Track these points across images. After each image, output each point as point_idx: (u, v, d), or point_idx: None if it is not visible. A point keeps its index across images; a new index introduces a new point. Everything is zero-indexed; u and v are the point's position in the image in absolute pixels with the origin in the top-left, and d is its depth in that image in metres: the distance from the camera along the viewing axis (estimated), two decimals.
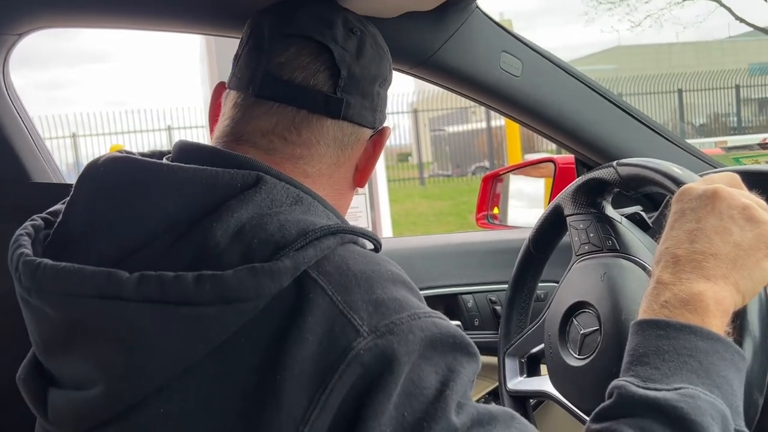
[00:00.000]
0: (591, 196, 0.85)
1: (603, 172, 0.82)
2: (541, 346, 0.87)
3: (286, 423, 0.48)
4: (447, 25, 0.97)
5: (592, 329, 0.76)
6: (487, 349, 1.19)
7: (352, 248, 0.57)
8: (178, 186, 0.56)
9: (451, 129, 17.37)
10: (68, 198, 0.61)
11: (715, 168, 1.12)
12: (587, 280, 0.80)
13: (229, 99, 0.68)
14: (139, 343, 0.51)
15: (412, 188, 14.40)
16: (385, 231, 3.90)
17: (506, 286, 0.99)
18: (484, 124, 15.51)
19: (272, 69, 0.65)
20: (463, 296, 1.21)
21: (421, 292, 1.18)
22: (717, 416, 0.50)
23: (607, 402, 0.54)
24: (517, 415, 0.53)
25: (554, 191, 1.51)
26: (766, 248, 0.55)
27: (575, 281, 0.82)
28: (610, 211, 0.84)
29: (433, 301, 1.22)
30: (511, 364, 0.92)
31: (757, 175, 0.90)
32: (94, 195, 0.59)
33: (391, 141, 14.86)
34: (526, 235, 0.98)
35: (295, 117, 0.65)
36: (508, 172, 1.97)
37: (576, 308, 0.80)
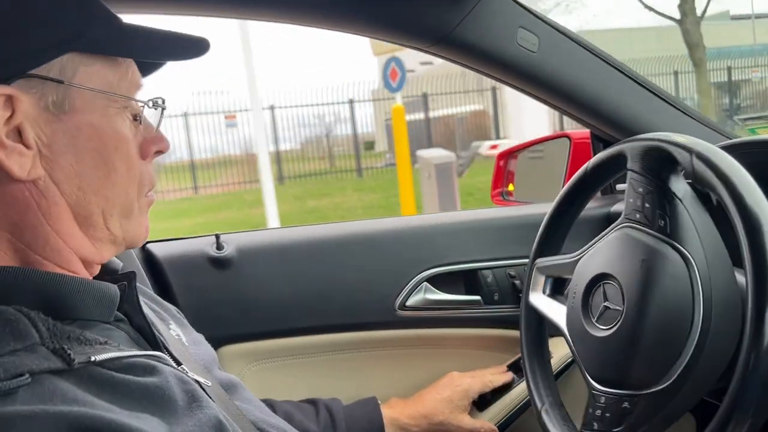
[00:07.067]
0: (658, 164, 0.78)
1: (676, 152, 0.75)
2: (568, 277, 0.87)
3: None
4: (465, 2, 0.98)
5: (614, 307, 0.76)
6: (507, 322, 1.21)
7: None
8: None
9: (409, 117, 17.31)
10: None
11: (730, 139, 1.13)
12: (625, 257, 0.78)
13: None
14: None
15: (347, 181, 14.01)
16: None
17: (525, 261, 1.00)
18: (441, 113, 15.54)
19: None
20: (483, 272, 1.23)
21: (441, 268, 1.22)
22: None
23: None
24: None
25: (570, 167, 1.51)
26: None
27: (614, 250, 0.80)
28: (673, 184, 0.77)
29: (453, 277, 1.24)
30: (537, 277, 0.92)
31: None
32: None
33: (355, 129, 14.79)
34: (542, 210, 0.99)
35: None
36: (522, 149, 1.98)
37: (605, 277, 0.80)
